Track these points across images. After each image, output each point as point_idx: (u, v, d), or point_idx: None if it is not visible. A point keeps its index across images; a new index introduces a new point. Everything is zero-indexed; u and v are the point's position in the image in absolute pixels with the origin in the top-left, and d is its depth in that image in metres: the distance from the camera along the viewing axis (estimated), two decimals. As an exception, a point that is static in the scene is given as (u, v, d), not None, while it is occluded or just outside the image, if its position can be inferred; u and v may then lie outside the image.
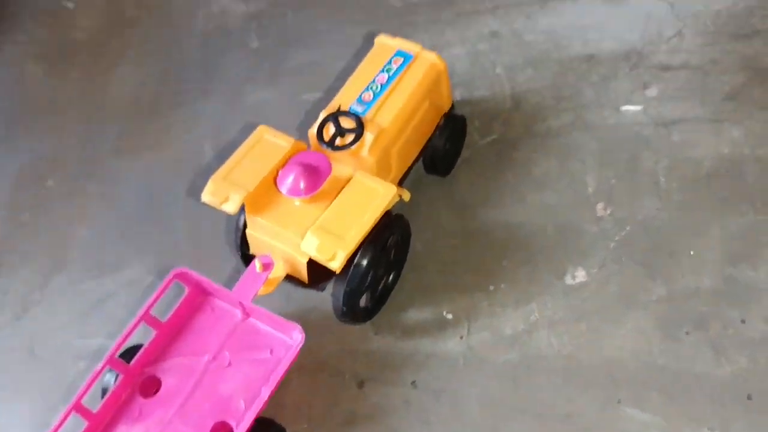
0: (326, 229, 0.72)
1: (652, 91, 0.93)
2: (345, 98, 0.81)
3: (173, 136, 1.01)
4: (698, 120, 0.89)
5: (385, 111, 0.79)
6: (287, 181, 0.73)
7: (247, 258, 0.79)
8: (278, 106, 1.01)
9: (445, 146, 0.87)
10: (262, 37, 1.09)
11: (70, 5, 1.22)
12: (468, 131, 0.92)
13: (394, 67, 0.82)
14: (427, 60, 0.82)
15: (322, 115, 0.80)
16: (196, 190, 0.89)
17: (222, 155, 0.91)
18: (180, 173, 0.97)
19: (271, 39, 1.09)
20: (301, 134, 0.92)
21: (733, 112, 0.89)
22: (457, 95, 0.97)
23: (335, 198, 0.74)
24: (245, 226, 0.77)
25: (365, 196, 0.74)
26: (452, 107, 0.89)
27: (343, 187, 0.75)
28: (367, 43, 0.94)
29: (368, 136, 0.77)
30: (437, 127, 0.86)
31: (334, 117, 0.79)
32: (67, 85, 1.11)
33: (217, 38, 1.10)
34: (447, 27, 1.04)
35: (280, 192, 0.74)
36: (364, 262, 0.73)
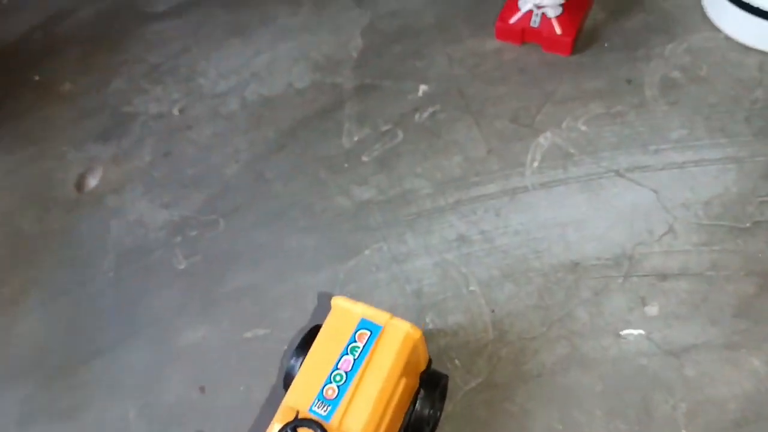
0: None
1: (653, 309, 0.81)
2: (302, 395, 0.65)
3: (90, 399, 0.83)
4: (710, 346, 0.77)
5: (355, 410, 0.64)
6: None
7: None
8: (216, 349, 0.84)
9: (428, 414, 0.72)
10: (189, 253, 0.92)
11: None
12: (448, 371, 0.78)
13: (360, 345, 0.67)
14: (399, 331, 0.67)
15: (275, 427, 0.64)
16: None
17: (153, 424, 0.74)
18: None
19: (200, 256, 0.92)
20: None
21: (747, 333, 0.78)
22: (429, 322, 0.83)
23: None
24: None
25: None
26: (429, 363, 0.75)
27: None
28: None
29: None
30: (416, 395, 0.72)
31: (292, 429, 0.63)
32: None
33: (135, 260, 0.93)
34: (407, 230, 0.90)
35: None
36: None
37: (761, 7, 0.93)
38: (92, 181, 1.00)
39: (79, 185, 1.00)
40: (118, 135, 1.04)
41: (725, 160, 0.89)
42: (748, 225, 0.84)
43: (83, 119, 1.07)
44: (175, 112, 1.06)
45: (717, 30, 1.00)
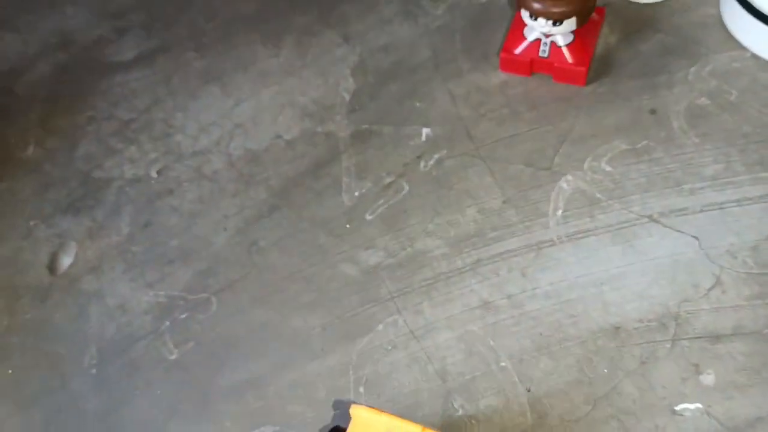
0: None
1: (709, 378, 0.72)
2: None
3: None
4: (780, 419, 0.69)
5: None
6: None
7: None
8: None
9: None
10: (180, 340, 0.82)
11: None
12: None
13: (392, 467, 0.58)
14: (434, 445, 0.58)
15: None
16: None
17: None
18: None
19: (193, 343, 0.82)
20: None
21: (819, 401, 0.70)
22: (458, 408, 0.74)
23: None
24: None
25: None
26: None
27: None
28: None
29: None
30: None
31: None
32: None
33: (119, 352, 0.82)
34: (423, 299, 0.80)
35: None
36: None
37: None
38: (66, 261, 0.90)
39: (52, 266, 0.90)
40: (90, 205, 0.94)
41: (768, 197, 0.81)
42: (803, 271, 0.76)
43: (51, 189, 0.96)
44: (153, 174, 0.95)
45: (743, 48, 0.91)
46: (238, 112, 0.99)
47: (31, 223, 0.93)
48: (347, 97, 0.97)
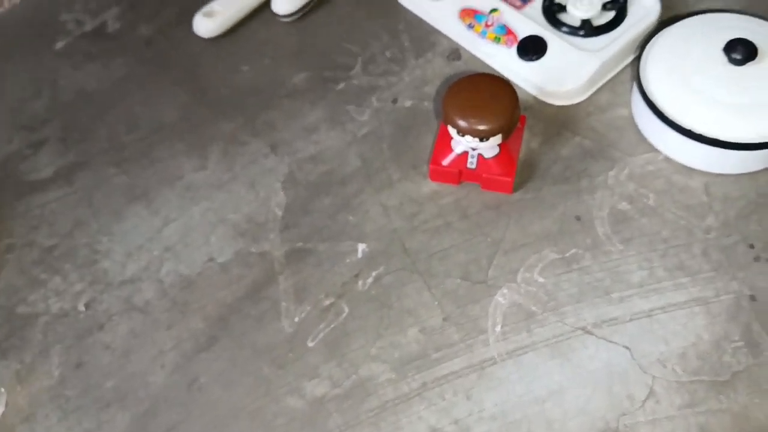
0: None
1: (652, 494, 0.75)
2: None
3: None
4: None
5: None
6: None
7: None
8: None
9: None
10: (125, 494, 0.80)
11: None
12: None
13: None
14: None
15: None
16: None
17: None
18: None
19: (138, 495, 0.80)
20: None
21: None
22: None
23: None
24: None
25: None
26: None
27: None
28: None
29: None
30: None
31: None
32: None
33: None
34: (372, 431, 0.81)
35: None
36: None
37: (695, 131, 0.90)
38: (-7, 410, 0.85)
39: (-23, 418, 0.85)
40: (17, 345, 0.89)
41: (691, 302, 0.85)
42: (727, 378, 0.81)
43: (-31, 328, 0.91)
44: (81, 307, 0.92)
45: (656, 151, 0.96)
46: (167, 233, 0.96)
47: (-49, 368, 0.88)
48: (279, 212, 0.96)
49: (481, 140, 0.89)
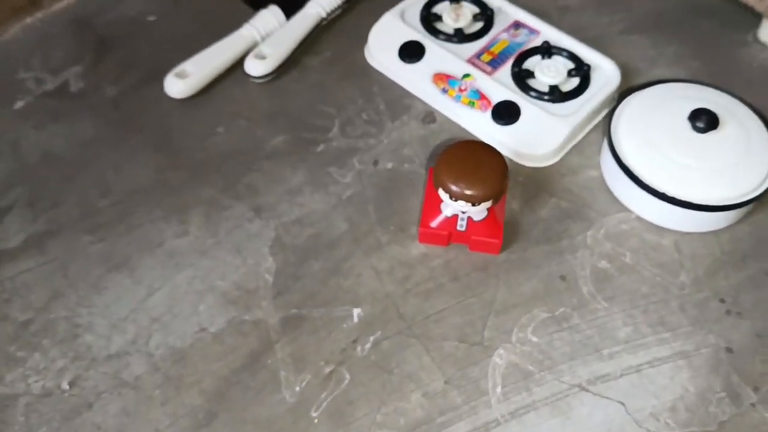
0: None
1: None
2: None
3: None
4: None
5: None
6: None
7: None
8: None
9: None
10: None
11: None
12: None
13: None
14: None
15: None
16: None
17: None
18: None
19: None
20: None
21: None
22: None
23: None
24: None
25: None
26: None
27: None
28: None
29: None
30: None
31: None
32: None
33: None
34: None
35: None
36: None
37: (667, 193, 0.97)
38: (-30, 505, 0.79)
39: None
40: (-5, 431, 0.83)
41: (674, 356, 0.91)
42: (714, 428, 0.86)
43: (-62, 415, 0.84)
44: (65, 386, 0.87)
45: (628, 210, 1.02)
46: (153, 302, 0.93)
47: None
48: (270, 278, 0.95)
49: (473, 204, 0.92)
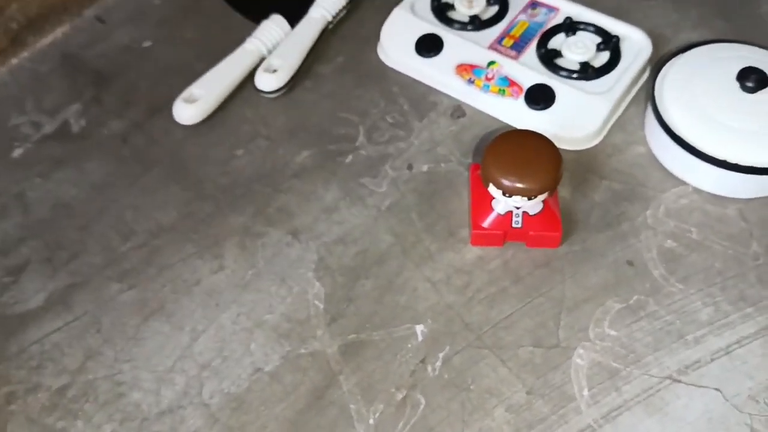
0: None
1: None
2: None
3: None
4: None
5: None
6: None
7: None
8: None
9: None
10: None
11: None
12: None
13: None
14: None
15: None
16: None
17: None
18: None
19: None
20: None
21: None
22: None
23: None
24: None
25: None
26: None
27: None
28: None
29: None
30: None
31: None
32: None
33: None
34: None
35: None
36: None
37: (720, 158, 0.91)
38: None
39: None
40: None
41: (762, 331, 0.85)
42: (820, 406, 0.80)
43: (-17, 504, 0.76)
44: (118, 452, 0.79)
45: (684, 183, 0.96)
46: (199, 348, 0.86)
47: None
48: (320, 305, 0.88)
49: (529, 199, 0.86)
